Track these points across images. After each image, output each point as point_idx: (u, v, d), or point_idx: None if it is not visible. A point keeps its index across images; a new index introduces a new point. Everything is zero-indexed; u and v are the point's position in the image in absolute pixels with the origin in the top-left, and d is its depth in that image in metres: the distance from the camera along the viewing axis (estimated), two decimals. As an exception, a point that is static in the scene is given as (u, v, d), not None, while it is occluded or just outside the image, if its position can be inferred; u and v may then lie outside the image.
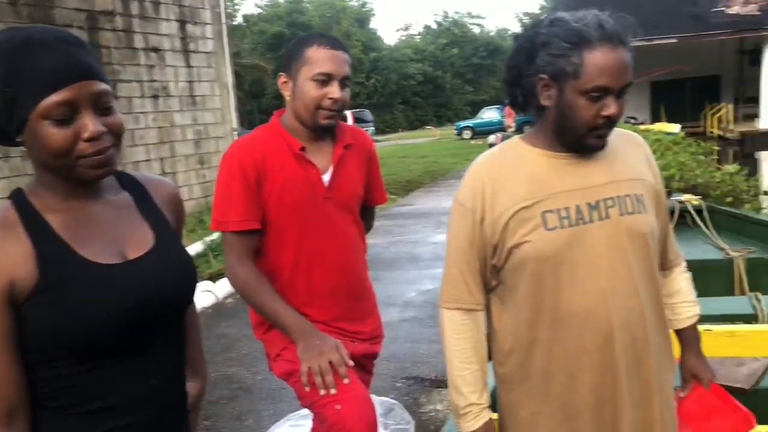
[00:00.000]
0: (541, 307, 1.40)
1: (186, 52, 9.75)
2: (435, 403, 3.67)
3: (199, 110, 10.00)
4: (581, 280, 1.37)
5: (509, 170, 1.44)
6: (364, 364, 2.05)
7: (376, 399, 2.24)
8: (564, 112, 1.36)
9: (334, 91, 1.83)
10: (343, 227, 1.97)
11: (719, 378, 2.85)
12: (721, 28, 22.10)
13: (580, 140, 1.38)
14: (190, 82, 9.80)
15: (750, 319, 3.43)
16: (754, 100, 22.58)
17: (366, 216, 2.17)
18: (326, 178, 1.92)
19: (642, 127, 15.44)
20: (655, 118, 24.57)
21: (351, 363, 1.80)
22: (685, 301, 1.61)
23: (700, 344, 1.65)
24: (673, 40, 22.27)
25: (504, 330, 1.49)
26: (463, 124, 34.69)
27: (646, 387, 1.42)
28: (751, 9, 22.34)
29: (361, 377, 1.93)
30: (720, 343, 2.30)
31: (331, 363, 1.75)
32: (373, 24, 57.27)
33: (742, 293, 4.21)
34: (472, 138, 31.05)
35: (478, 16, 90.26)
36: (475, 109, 44.63)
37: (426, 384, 3.94)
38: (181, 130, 9.60)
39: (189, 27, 9.83)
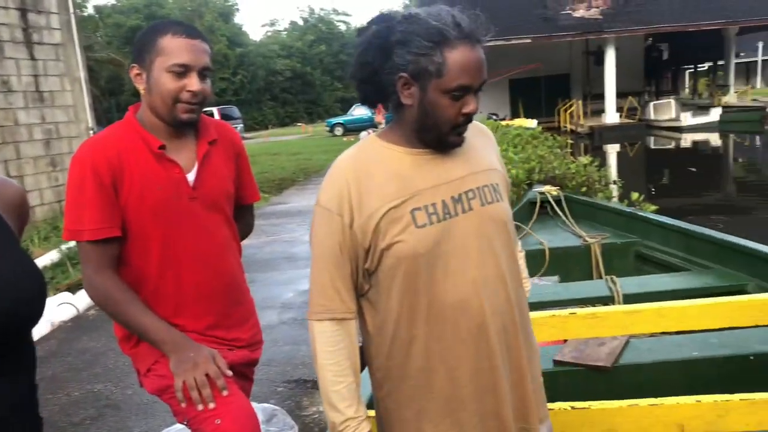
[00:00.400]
0: (416, 305, 1.39)
1: (29, 43, 8.95)
2: (318, 405, 3.62)
3: (48, 107, 9.23)
4: (453, 273, 1.38)
5: (372, 170, 1.41)
6: (244, 372, 1.96)
7: (257, 406, 2.15)
8: (427, 110, 1.36)
9: (192, 83, 1.71)
10: (213, 229, 1.85)
11: (585, 358, 3.05)
12: (568, 30, 23.82)
13: (442, 138, 1.39)
14: (36, 76, 9.01)
15: (607, 300, 3.69)
16: (600, 96, 24.57)
17: (244, 215, 2.07)
18: (191, 177, 1.80)
19: (504, 122, 16.31)
20: (515, 114, 26.08)
21: (229, 373, 1.70)
22: (524, 278, 1.68)
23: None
24: (528, 41, 23.70)
25: (379, 334, 1.46)
26: (334, 120, 34.77)
27: (518, 370, 1.47)
28: (594, 13, 24.25)
29: (242, 386, 1.84)
30: (583, 325, 2.42)
31: (207, 375, 1.65)
32: (238, 19, 55.87)
33: (600, 277, 4.54)
34: (344, 135, 31.22)
35: (344, 14, 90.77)
36: (345, 105, 44.99)
37: (308, 386, 3.87)
38: (27, 129, 8.81)
39: (31, 16, 9.02)
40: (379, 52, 1.37)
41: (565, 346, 3.13)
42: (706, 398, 2.05)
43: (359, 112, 32.91)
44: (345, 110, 38.56)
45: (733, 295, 2.69)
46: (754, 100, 28.22)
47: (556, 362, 2.97)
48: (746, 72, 40.15)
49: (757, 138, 20.62)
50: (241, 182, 1.99)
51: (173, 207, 1.76)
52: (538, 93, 27.07)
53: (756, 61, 37.99)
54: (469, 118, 1.37)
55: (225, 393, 1.65)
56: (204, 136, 1.85)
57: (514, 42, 23.47)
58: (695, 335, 3.05)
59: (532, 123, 18.21)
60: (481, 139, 1.54)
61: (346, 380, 1.43)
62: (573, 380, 2.97)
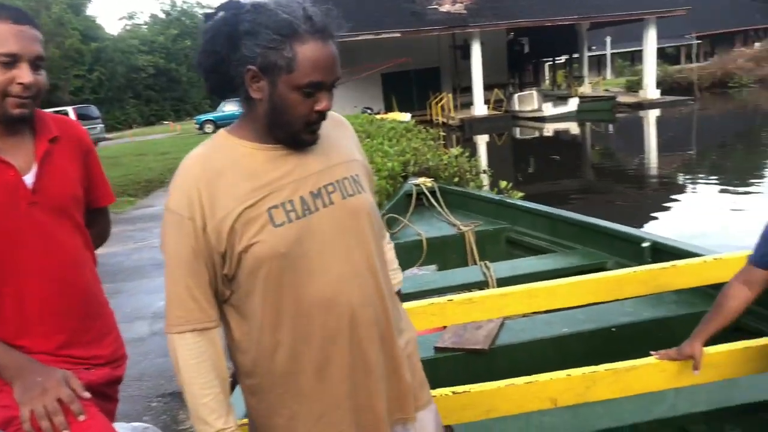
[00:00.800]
0: (280, 307, 1.33)
1: None
2: (196, 416, 3.44)
3: None
4: (318, 271, 1.33)
5: (223, 168, 1.33)
6: (105, 393, 1.78)
7: (125, 426, 1.98)
8: (277, 106, 1.30)
9: (23, 74, 1.53)
10: (60, 236, 1.66)
11: (463, 342, 3.11)
12: (436, 24, 24.50)
13: (294, 136, 1.33)
14: None
15: (483, 285, 3.81)
16: (469, 89, 25.51)
17: (97, 220, 1.87)
18: (29, 179, 1.60)
19: (378, 116, 16.49)
20: (389, 108, 26.49)
21: (87, 395, 1.54)
22: (393, 269, 1.67)
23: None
24: (397, 35, 24.10)
25: (245, 340, 1.39)
26: (204, 117, 33.60)
27: (393, 360, 1.45)
28: (459, 8, 25.11)
29: (103, 408, 1.67)
30: (460, 310, 2.46)
31: (60, 400, 1.48)
32: (90, 11, 52.16)
33: (475, 263, 4.68)
34: (214, 132, 30.15)
35: (209, 6, 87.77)
36: (215, 102, 43.51)
37: (184, 399, 3.68)
38: None
39: None
40: (227, 41, 1.29)
41: (444, 333, 3.18)
42: (576, 371, 2.15)
43: (230, 108, 31.93)
44: (215, 107, 37.29)
45: (595, 272, 2.85)
46: (606, 90, 30.58)
47: (437, 349, 3.01)
48: (598, 64, 43.36)
49: (610, 126, 22.32)
50: (91, 183, 1.80)
51: (9, 214, 1.56)
52: (410, 86, 27.68)
53: (605, 55, 41.11)
54: (322, 115, 1.32)
55: (82, 418, 1.49)
56: (43, 134, 1.65)
57: (383, 36, 23.82)
58: (564, 313, 3.21)
59: (406, 116, 18.59)
60: (337, 131, 1.49)
61: (212, 391, 1.35)
62: (454, 365, 3.03)
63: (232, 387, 1.52)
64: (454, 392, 2.06)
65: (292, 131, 1.32)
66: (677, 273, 2.79)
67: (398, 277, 1.70)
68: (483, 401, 2.10)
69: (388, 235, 1.72)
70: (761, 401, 2.39)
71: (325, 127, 1.40)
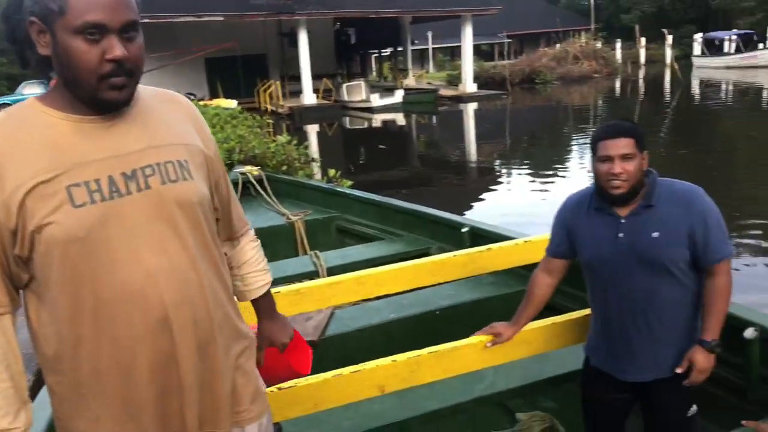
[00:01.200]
0: (80, 298, 1.19)
1: None
2: None
3: None
4: (124, 261, 1.20)
5: (22, 139, 1.17)
6: None
7: None
8: (62, 58, 1.16)
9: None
10: None
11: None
12: (261, 9, 23.99)
13: (94, 94, 1.18)
14: None
15: (313, 275, 3.77)
16: (298, 78, 25.33)
17: None
18: None
19: (201, 102, 15.79)
20: (213, 95, 25.51)
21: None
22: (255, 270, 1.56)
23: (275, 310, 1.66)
24: (220, 18, 23.27)
25: (45, 332, 1.23)
26: (0, 100, 29.99)
27: (212, 370, 1.33)
28: (284, -4, 24.74)
29: None
30: (288, 302, 2.41)
31: None
32: None
33: (305, 253, 4.63)
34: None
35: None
36: (12, 83, 38.95)
37: None
38: None
39: None
40: (14, 0, 1.16)
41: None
42: (401, 357, 2.18)
43: (30, 90, 28.82)
44: (12, 88, 33.45)
45: (420, 258, 2.92)
46: (429, 83, 31.99)
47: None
48: (421, 58, 45.29)
49: (434, 117, 23.42)
50: None
51: None
52: (236, 73, 26.82)
53: (428, 49, 43.04)
54: (121, 67, 1.17)
55: None
56: None
57: (206, 19, 22.88)
58: (391, 299, 3.27)
59: (232, 103, 17.99)
60: (170, 110, 1.35)
61: (1, 385, 1.19)
62: (283, 359, 2.96)
63: None
64: (280, 389, 1.99)
65: (88, 88, 1.17)
66: (492, 256, 2.95)
67: (263, 280, 1.58)
68: (310, 395, 2.06)
69: (252, 232, 1.60)
70: (567, 372, 2.60)
71: (154, 104, 1.29)
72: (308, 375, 1.86)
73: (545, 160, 12.95)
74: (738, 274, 5.82)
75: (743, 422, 1.57)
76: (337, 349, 2.96)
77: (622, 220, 1.95)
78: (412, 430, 2.59)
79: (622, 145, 1.88)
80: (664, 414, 2.04)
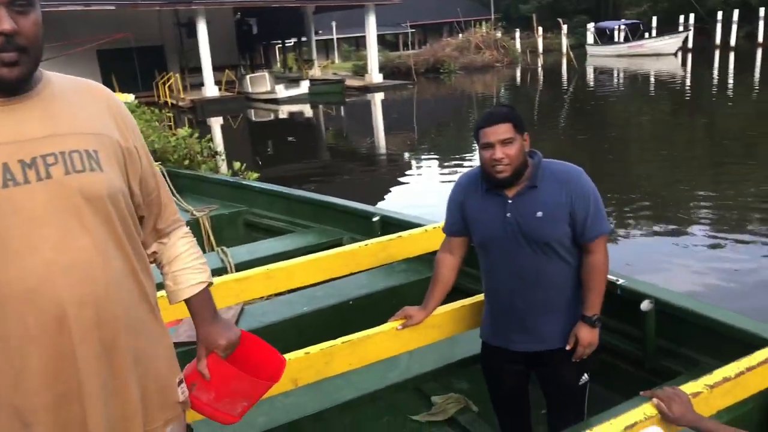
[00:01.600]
0: None
1: None
2: None
3: None
4: (18, 255, 1.11)
5: None
6: None
7: None
8: None
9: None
10: None
11: (188, 338, 2.94)
12: (155, -1, 23.00)
13: None
14: None
15: (221, 271, 3.65)
16: (198, 69, 24.54)
17: None
18: None
19: (96, 96, 14.99)
20: (108, 88, 24.27)
21: None
22: (186, 267, 1.45)
23: (214, 312, 1.50)
24: (111, 7, 22.15)
25: None
26: None
27: (120, 375, 1.25)
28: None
29: None
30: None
31: None
32: None
33: (212, 249, 4.49)
34: None
35: None
36: None
37: None
38: None
39: None
40: None
41: (180, 326, 2.98)
42: (314, 348, 2.15)
43: None
44: None
45: (331, 249, 2.90)
46: (335, 73, 31.89)
47: (174, 344, 2.80)
48: (326, 48, 45.04)
49: (342, 108, 23.36)
50: None
51: None
52: (132, 65, 25.60)
53: (332, 39, 42.85)
54: (9, 41, 1.09)
55: None
56: None
57: (95, 8, 21.71)
58: (303, 291, 3.23)
59: (129, 97, 17.18)
60: (83, 97, 1.26)
61: None
62: (191, 360, 2.85)
63: None
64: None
65: None
66: (404, 243, 2.97)
67: (196, 278, 1.45)
68: (220, 395, 1.98)
69: (185, 228, 1.50)
70: (479, 353, 2.65)
71: (66, 91, 1.21)
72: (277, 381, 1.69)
73: (452, 149, 13.23)
74: (632, 249, 6.20)
75: (641, 392, 1.65)
76: (249, 345, 2.88)
77: (510, 201, 2.03)
78: (329, 421, 2.56)
79: (502, 131, 1.95)
80: (556, 383, 2.15)
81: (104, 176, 1.22)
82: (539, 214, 1.99)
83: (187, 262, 1.46)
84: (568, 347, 2.06)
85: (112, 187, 1.23)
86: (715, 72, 24.51)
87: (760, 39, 32.50)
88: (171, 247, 1.46)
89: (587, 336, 2.03)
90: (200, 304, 1.47)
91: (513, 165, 1.96)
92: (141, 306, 1.31)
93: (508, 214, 2.03)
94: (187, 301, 1.47)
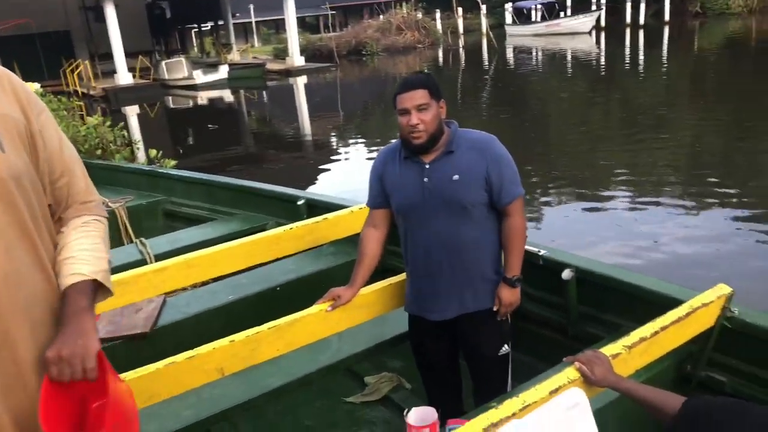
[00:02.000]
0: None
1: None
2: None
3: None
4: None
5: None
6: None
7: None
8: None
9: None
10: None
11: (121, 329, 2.81)
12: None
13: None
14: None
15: (141, 264, 3.49)
16: (109, 56, 23.44)
17: None
18: None
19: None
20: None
21: None
22: (69, 257, 1.26)
23: (76, 315, 1.21)
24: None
25: None
26: None
27: (15, 373, 1.16)
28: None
29: None
30: (114, 293, 2.19)
31: None
32: None
33: (130, 241, 4.30)
34: None
35: None
36: None
37: None
38: None
39: None
40: None
41: (98, 322, 2.84)
42: (239, 336, 2.09)
43: None
44: None
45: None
46: (255, 57, 31.18)
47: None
48: (245, 32, 43.90)
49: (264, 93, 22.90)
50: None
51: None
52: (36, 53, 24.18)
53: (251, 22, 41.81)
54: None
55: None
56: None
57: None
58: (228, 280, 3.14)
59: (34, 86, 16.27)
60: None
61: None
62: (112, 356, 2.72)
63: None
64: (107, 388, 1.81)
65: None
66: (329, 225, 2.92)
67: (73, 269, 1.24)
68: (143, 387, 1.91)
69: (91, 216, 1.34)
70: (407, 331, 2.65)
71: None
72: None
73: (378, 131, 13.22)
74: (556, 224, 6.38)
75: (564, 358, 1.69)
76: (172, 337, 2.78)
77: (427, 166, 2.06)
78: (260, 409, 2.51)
79: (417, 96, 1.98)
80: (477, 352, 2.19)
81: (6, 157, 1.13)
82: (456, 177, 2.02)
83: (72, 251, 1.27)
84: (495, 308, 2.11)
85: (14, 168, 1.15)
86: (627, 49, 25.52)
87: (667, 17, 34.04)
88: (65, 236, 1.31)
89: (508, 296, 2.10)
90: (67, 301, 1.23)
91: (428, 131, 2.00)
92: (48, 300, 1.22)
93: (426, 179, 2.05)
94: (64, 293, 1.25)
